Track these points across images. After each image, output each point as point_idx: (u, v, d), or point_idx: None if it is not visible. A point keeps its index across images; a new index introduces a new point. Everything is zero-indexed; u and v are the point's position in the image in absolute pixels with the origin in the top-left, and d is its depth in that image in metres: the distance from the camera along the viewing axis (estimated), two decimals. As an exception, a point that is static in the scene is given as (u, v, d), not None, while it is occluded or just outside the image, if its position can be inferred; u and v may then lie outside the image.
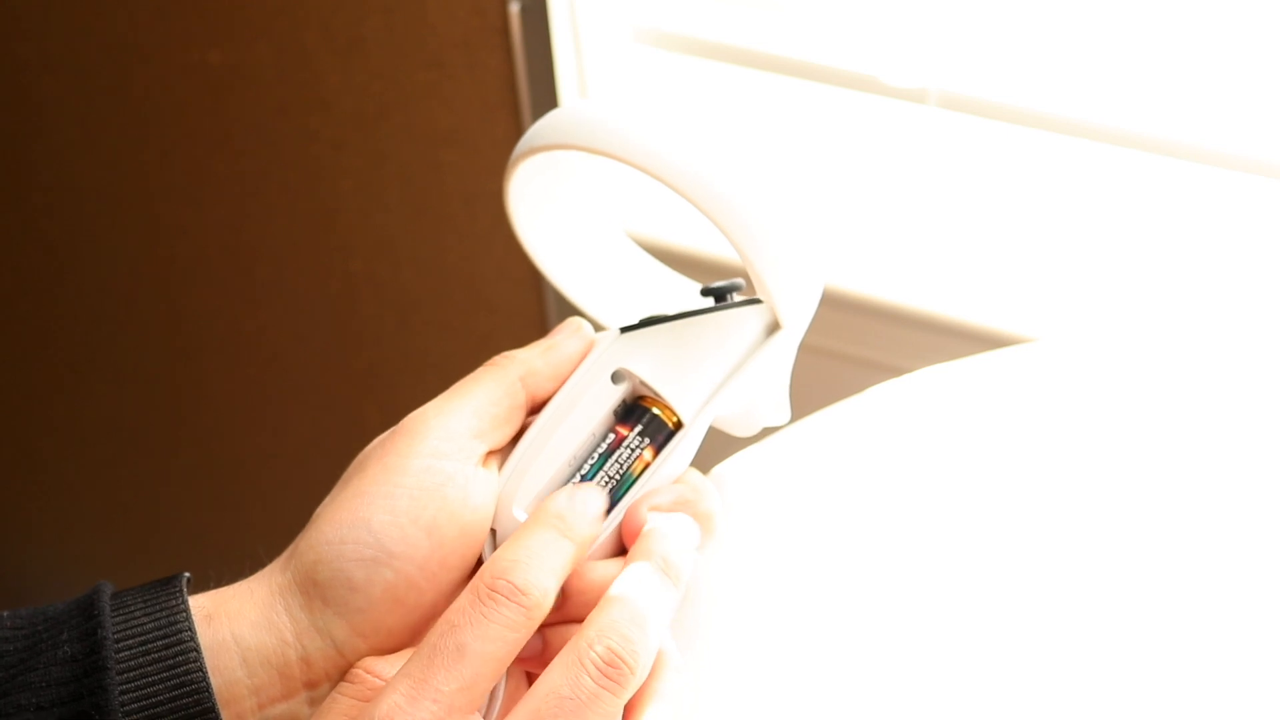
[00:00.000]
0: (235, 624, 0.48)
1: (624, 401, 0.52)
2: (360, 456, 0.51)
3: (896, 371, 0.71)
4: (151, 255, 1.24)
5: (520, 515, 0.51)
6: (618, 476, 0.51)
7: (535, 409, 0.53)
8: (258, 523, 1.42)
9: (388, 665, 0.47)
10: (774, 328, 0.52)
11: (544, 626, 0.49)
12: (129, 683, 0.46)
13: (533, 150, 0.52)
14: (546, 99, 1.02)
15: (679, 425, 0.52)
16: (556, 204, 0.57)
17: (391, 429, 0.51)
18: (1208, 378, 0.67)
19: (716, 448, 0.58)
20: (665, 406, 0.52)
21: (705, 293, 0.54)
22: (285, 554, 0.50)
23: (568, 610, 0.49)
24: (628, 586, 0.47)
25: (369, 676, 0.47)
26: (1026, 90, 0.94)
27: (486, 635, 0.45)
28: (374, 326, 1.21)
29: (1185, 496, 0.62)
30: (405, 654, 0.48)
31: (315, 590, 0.48)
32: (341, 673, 0.48)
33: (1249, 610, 0.58)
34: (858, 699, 0.56)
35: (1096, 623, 0.58)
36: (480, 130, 1.05)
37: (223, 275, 1.23)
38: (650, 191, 1.04)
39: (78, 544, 1.56)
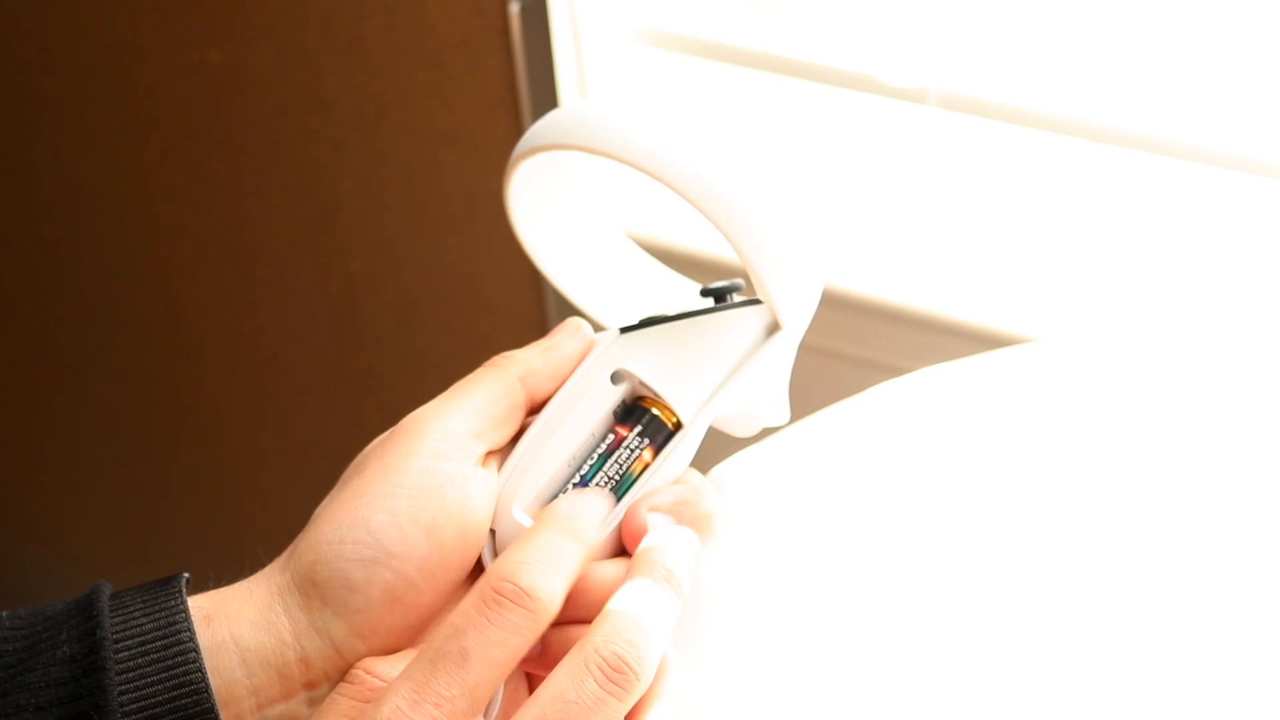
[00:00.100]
0: (234, 624, 0.48)
1: (623, 402, 0.52)
2: (360, 457, 0.51)
3: (896, 371, 0.71)
4: (151, 255, 1.24)
5: (520, 515, 0.51)
6: (617, 477, 0.51)
7: (535, 409, 0.53)
8: (257, 523, 1.42)
9: (387, 666, 0.47)
10: (774, 328, 0.52)
11: (544, 628, 0.48)
12: (128, 683, 0.46)
13: (533, 150, 0.52)
14: (546, 99, 1.02)
15: (678, 426, 0.52)
16: (556, 204, 0.57)
17: (391, 429, 0.51)
18: (1208, 378, 0.67)
19: (716, 448, 0.58)
20: (665, 407, 0.52)
21: (705, 293, 0.54)
22: (284, 554, 0.50)
23: (568, 611, 0.49)
24: (631, 595, 0.47)
25: (368, 677, 0.47)
26: (1026, 90, 0.94)
27: (491, 640, 0.44)
28: (374, 326, 1.21)
29: (1185, 496, 0.62)
30: (405, 654, 0.48)
31: (314, 590, 0.48)
32: (341, 673, 0.48)
33: (1249, 610, 0.58)
34: (857, 699, 0.56)
35: (1097, 622, 0.58)
36: (480, 130, 1.05)
37: (223, 275, 1.23)
38: (650, 191, 1.04)
39: (78, 544, 1.56)
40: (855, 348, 1.03)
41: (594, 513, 0.49)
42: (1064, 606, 0.59)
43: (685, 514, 0.51)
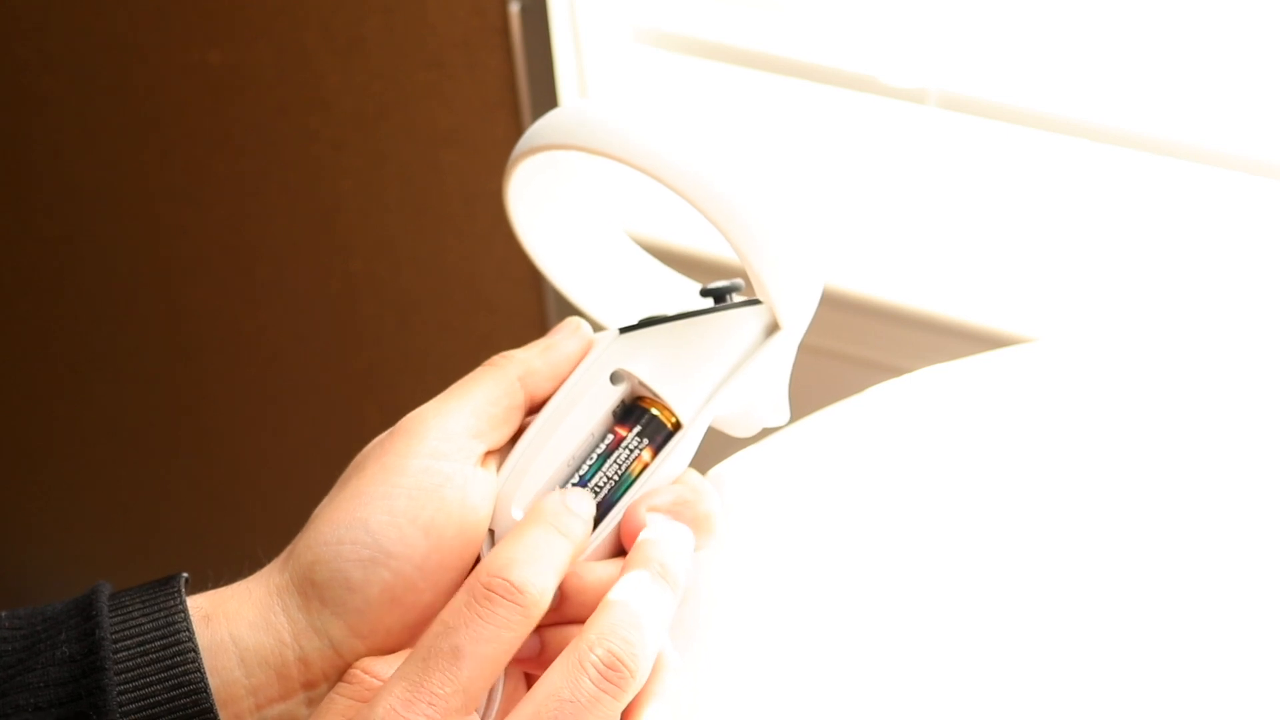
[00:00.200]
0: (233, 624, 0.48)
1: (623, 402, 0.52)
2: (359, 457, 0.51)
3: (896, 371, 0.71)
4: (151, 255, 1.24)
5: (519, 515, 0.51)
6: (616, 477, 0.51)
7: (534, 409, 0.53)
8: (257, 523, 1.42)
9: (386, 666, 0.47)
10: (773, 328, 0.52)
11: (541, 627, 0.48)
12: (127, 683, 0.46)
13: (532, 150, 0.52)
14: (546, 99, 1.02)
15: (678, 426, 0.52)
16: (556, 204, 0.57)
17: (390, 429, 0.51)
18: (1208, 378, 0.67)
19: (716, 448, 0.58)
20: (664, 407, 0.52)
21: (705, 293, 0.54)
22: (283, 554, 0.50)
23: (565, 611, 0.49)
24: (626, 591, 0.47)
25: (367, 677, 0.47)
26: (1026, 90, 0.94)
27: (482, 636, 0.44)
28: (374, 326, 1.21)
29: (1185, 496, 0.62)
30: (404, 654, 0.48)
31: (313, 590, 0.48)
32: (339, 673, 0.48)
33: (1249, 610, 0.58)
34: (857, 699, 0.56)
35: (1096, 622, 0.58)
36: (480, 130, 1.05)
37: (223, 275, 1.23)
38: (650, 191, 1.04)
39: (78, 544, 1.56)
40: (855, 348, 1.03)
41: (580, 508, 0.49)
42: (1064, 606, 0.59)
43: (684, 514, 0.51)
